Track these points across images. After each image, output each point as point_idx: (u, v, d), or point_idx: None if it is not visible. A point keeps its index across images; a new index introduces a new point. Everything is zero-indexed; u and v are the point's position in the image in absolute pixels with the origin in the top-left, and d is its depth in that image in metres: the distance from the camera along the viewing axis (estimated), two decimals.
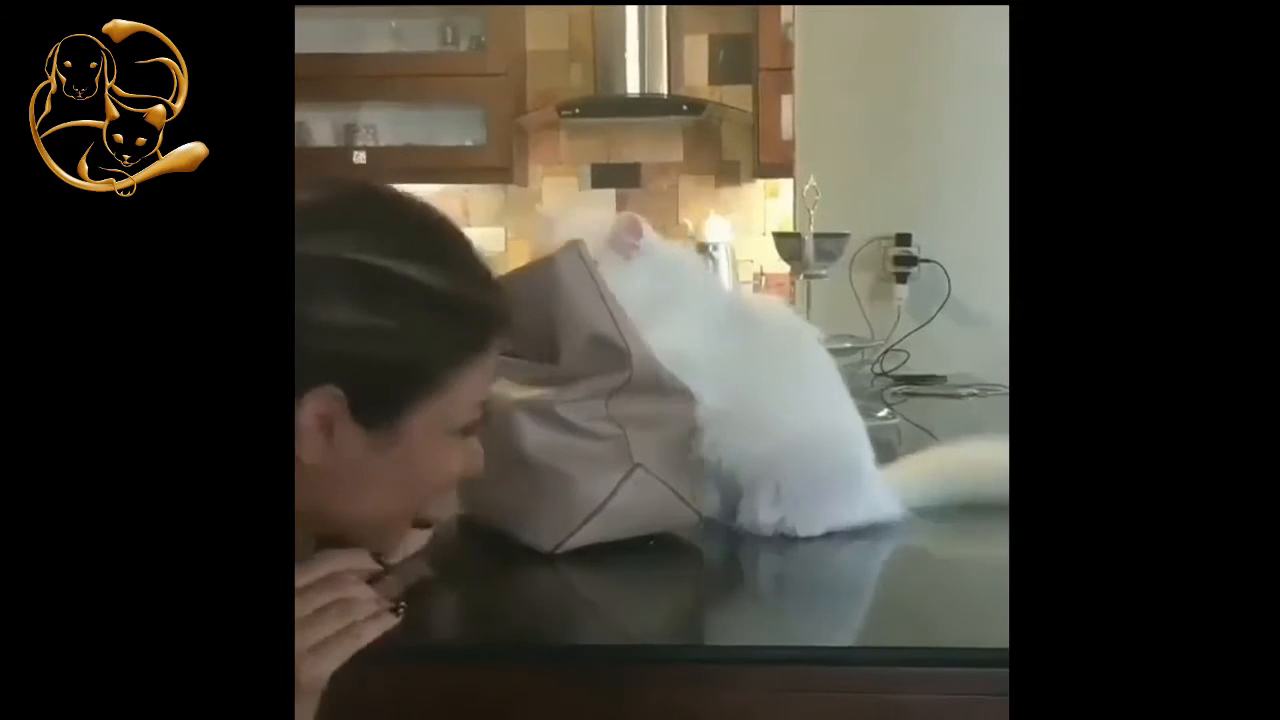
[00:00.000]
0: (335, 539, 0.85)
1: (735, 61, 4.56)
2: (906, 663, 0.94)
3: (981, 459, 1.34)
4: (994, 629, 0.83)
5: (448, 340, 0.83)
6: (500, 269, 1.15)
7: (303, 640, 0.76)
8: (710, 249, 4.49)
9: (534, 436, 1.13)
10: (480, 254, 0.87)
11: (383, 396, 0.80)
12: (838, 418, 1.30)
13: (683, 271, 1.29)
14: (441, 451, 0.86)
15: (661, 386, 1.18)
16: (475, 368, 0.84)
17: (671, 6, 4.44)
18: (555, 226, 1.26)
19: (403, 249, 0.81)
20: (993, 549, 1.04)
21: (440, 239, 0.86)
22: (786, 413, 1.24)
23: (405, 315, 0.80)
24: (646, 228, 1.25)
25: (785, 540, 1.24)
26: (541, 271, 1.14)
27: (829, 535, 1.24)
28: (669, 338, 1.20)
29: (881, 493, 1.30)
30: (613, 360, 1.14)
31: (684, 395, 1.20)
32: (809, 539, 1.23)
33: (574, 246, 1.14)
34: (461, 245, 0.87)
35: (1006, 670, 0.66)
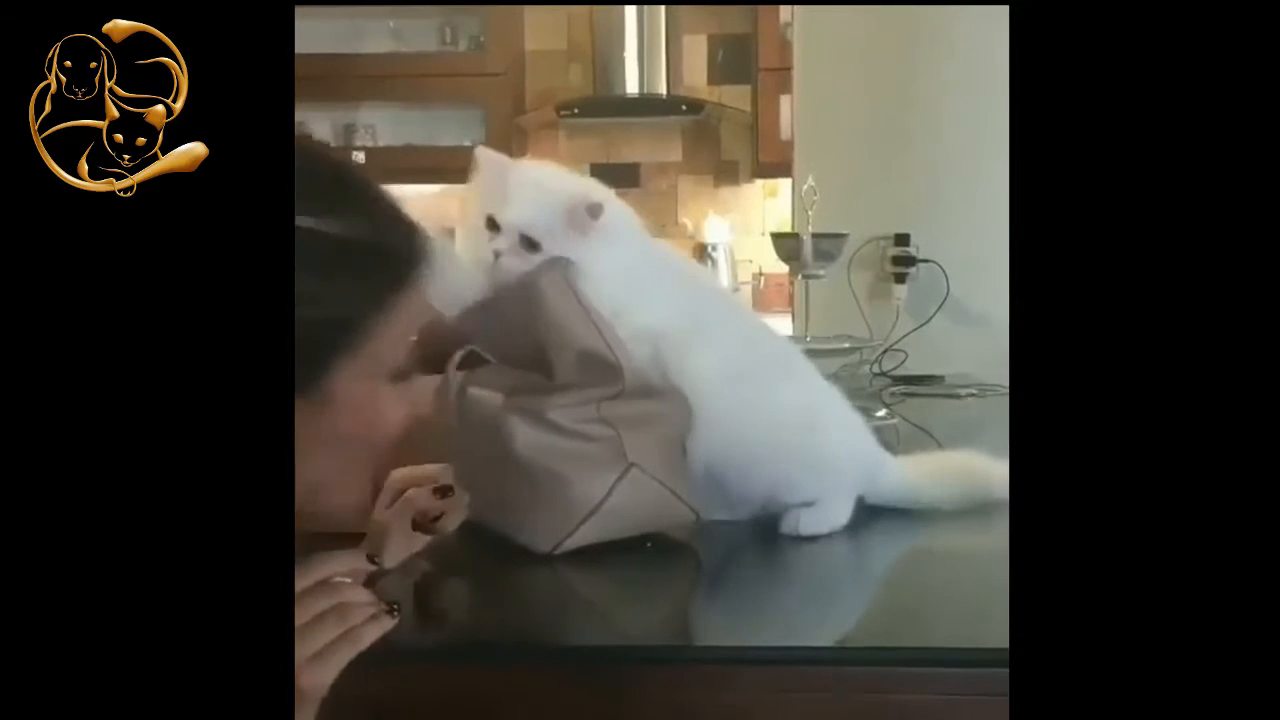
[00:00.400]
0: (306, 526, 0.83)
1: (734, 61, 4.56)
2: (905, 663, 0.94)
3: (973, 468, 1.35)
4: (994, 629, 0.83)
5: (359, 288, 0.79)
6: None
7: (302, 648, 0.75)
8: (709, 249, 4.50)
9: (525, 438, 1.13)
10: (387, 194, 0.83)
11: (306, 359, 0.75)
12: (817, 409, 1.30)
13: (643, 249, 1.27)
14: (379, 402, 0.82)
15: (652, 388, 1.18)
16: (393, 310, 0.80)
17: (670, 7, 4.44)
18: (508, 175, 1.19)
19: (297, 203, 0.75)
20: (992, 548, 1.05)
21: (337, 185, 0.81)
22: (763, 397, 1.25)
23: (311, 271, 0.74)
24: (612, 207, 1.19)
25: (783, 539, 1.24)
26: (524, 292, 1.13)
27: (828, 534, 1.24)
28: (637, 319, 1.19)
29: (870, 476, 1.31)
30: (606, 374, 1.14)
31: (676, 395, 1.20)
32: (813, 538, 1.23)
33: (555, 265, 1.13)
34: (361, 188, 0.83)
35: (1006, 670, 0.66)
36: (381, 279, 0.81)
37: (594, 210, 1.16)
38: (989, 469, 1.32)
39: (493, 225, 1.17)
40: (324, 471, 0.81)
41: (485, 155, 1.23)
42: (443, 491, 1.03)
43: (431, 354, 1.19)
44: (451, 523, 1.05)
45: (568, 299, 1.13)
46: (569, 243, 1.16)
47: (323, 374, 0.78)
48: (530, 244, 1.16)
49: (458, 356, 1.16)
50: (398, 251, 0.82)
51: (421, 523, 1.04)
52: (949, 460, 1.42)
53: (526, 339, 1.14)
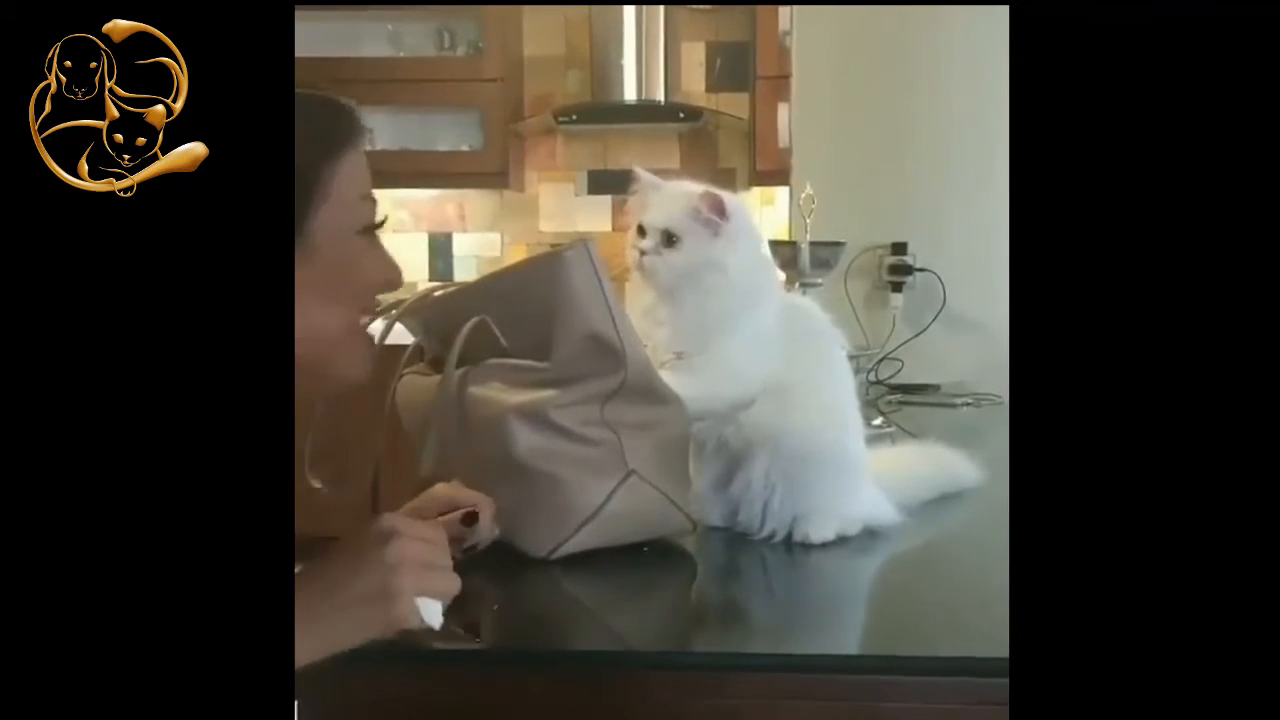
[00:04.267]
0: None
1: (732, 69, 4.56)
2: (903, 671, 0.94)
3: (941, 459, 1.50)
4: (993, 638, 0.83)
5: (317, 142, 0.87)
6: None
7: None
8: None
9: (527, 441, 1.13)
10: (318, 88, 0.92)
11: None
12: (850, 415, 1.34)
13: (763, 258, 1.34)
14: (353, 252, 0.90)
15: (654, 392, 1.18)
16: (348, 162, 0.89)
17: (669, 14, 4.44)
18: (656, 188, 1.32)
19: None
20: (991, 556, 1.04)
21: None
22: (810, 403, 1.28)
23: None
24: (737, 208, 1.28)
25: (780, 546, 1.24)
26: (548, 264, 1.14)
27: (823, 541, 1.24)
28: (750, 329, 1.27)
29: (878, 495, 1.32)
30: (608, 362, 1.14)
31: (677, 401, 1.20)
32: (805, 545, 1.23)
33: (583, 244, 1.14)
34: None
35: (1005, 680, 0.66)
36: (331, 138, 0.89)
37: (713, 202, 1.26)
38: (953, 460, 1.49)
39: (640, 231, 1.29)
40: (316, 321, 0.87)
41: (640, 175, 1.35)
42: (470, 519, 1.08)
43: (445, 323, 1.20)
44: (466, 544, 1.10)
45: (588, 276, 1.13)
46: (702, 240, 1.26)
47: (300, 225, 0.85)
48: (670, 240, 1.26)
49: (468, 326, 1.16)
50: (343, 109, 0.92)
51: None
52: (920, 452, 1.55)
53: (539, 313, 1.14)
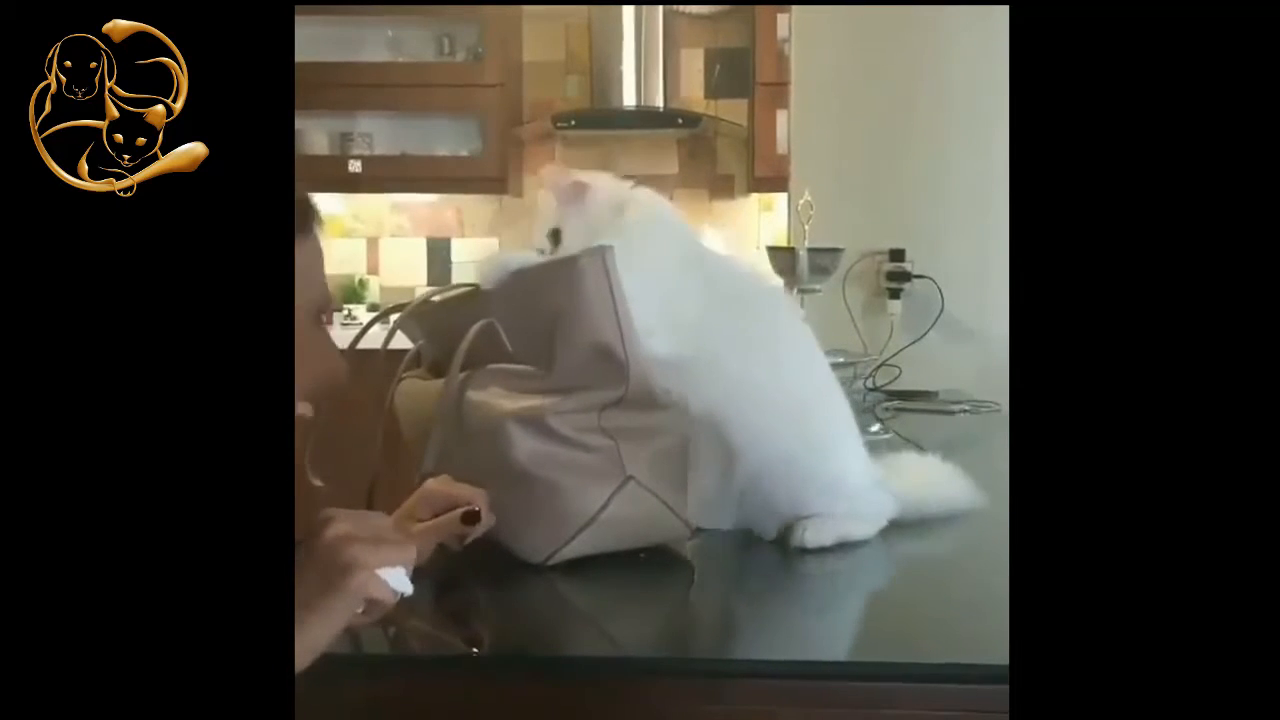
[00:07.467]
0: None
1: (731, 75, 4.57)
2: (902, 678, 0.94)
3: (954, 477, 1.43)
4: (992, 645, 0.83)
5: None
6: None
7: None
8: None
9: (525, 447, 1.13)
10: None
11: None
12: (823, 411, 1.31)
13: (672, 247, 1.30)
14: (298, 337, 0.83)
15: (654, 400, 1.18)
16: (299, 249, 0.84)
17: (668, 20, 4.45)
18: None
19: None
20: (992, 563, 1.04)
21: None
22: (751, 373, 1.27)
23: None
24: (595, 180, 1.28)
25: (777, 552, 1.24)
26: (562, 269, 1.14)
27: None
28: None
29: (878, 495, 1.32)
30: (610, 375, 1.14)
31: (676, 407, 1.20)
32: (801, 550, 1.23)
33: (600, 252, 1.14)
34: None
35: (1005, 687, 0.66)
36: None
37: (558, 176, 1.27)
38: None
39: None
40: None
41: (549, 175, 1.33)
42: (471, 518, 1.07)
43: (447, 327, 1.20)
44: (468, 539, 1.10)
45: (601, 285, 1.13)
46: (575, 222, 1.25)
47: None
48: (555, 237, 1.26)
49: (475, 329, 1.16)
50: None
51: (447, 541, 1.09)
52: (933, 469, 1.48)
53: (546, 318, 1.13)
